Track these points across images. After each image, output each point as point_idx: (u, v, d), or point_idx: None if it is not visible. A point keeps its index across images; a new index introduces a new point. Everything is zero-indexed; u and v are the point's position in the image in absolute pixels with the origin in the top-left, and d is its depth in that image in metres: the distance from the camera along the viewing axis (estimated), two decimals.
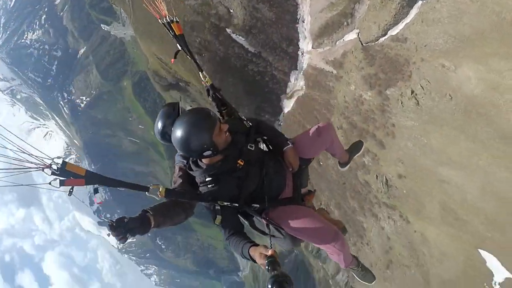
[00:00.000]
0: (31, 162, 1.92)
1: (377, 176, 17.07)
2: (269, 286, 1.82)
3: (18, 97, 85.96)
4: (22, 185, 2.07)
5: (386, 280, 18.23)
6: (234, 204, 2.61)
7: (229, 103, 3.13)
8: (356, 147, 3.89)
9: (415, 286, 16.87)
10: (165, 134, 2.82)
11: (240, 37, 23.33)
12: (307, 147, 3.08)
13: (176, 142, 2.50)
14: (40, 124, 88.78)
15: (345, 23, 18.70)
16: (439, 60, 13.30)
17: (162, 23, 2.94)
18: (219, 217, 2.57)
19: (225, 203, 2.56)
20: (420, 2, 14.35)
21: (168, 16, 2.91)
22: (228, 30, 23.58)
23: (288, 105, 24.93)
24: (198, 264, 64.74)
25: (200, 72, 3.08)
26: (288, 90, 24.43)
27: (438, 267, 15.59)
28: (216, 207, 2.58)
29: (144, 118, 52.12)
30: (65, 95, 69.81)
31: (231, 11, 22.75)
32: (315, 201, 3.26)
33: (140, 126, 55.93)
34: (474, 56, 12.07)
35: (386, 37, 16.16)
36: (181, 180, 2.81)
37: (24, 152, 1.92)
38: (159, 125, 2.85)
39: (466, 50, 12.33)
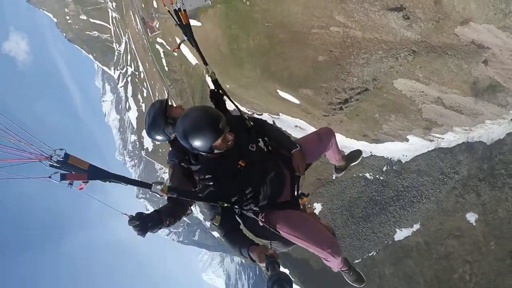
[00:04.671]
0: (29, 153, 1.79)
1: None
2: (269, 285, 1.81)
3: None
4: (18, 178, 1.84)
5: None
6: (234, 205, 2.56)
7: (231, 100, 3.07)
8: (354, 155, 3.91)
9: None
10: (157, 130, 2.83)
11: None
12: (308, 152, 3.00)
13: (179, 133, 2.37)
14: None
15: None
16: None
17: (168, 10, 2.80)
18: (218, 218, 2.50)
19: (226, 204, 2.50)
20: None
21: (176, 4, 2.74)
22: None
23: None
24: None
25: (205, 66, 2.98)
26: None
27: None
28: (217, 208, 2.51)
29: None
30: None
31: None
32: (307, 205, 3.24)
33: None
34: None
35: None
36: (176, 179, 2.74)
37: (20, 142, 1.79)
38: (150, 120, 2.81)
39: None
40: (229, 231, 2.52)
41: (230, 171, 2.53)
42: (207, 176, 2.50)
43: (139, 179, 2.32)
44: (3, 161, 1.76)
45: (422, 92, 10.81)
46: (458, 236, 11.80)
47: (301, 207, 3.00)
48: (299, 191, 3.02)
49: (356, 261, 15.16)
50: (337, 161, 3.61)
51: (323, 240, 2.64)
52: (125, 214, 2.20)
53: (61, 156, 1.88)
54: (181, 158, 2.73)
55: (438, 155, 12.72)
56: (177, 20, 2.83)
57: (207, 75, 3.00)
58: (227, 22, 15.75)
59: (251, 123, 2.88)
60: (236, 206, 2.57)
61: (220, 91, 3.01)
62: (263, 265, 2.11)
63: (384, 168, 14.70)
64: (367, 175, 15.30)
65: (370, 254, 15.03)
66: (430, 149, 12.99)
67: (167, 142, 2.97)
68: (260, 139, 2.94)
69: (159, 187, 2.25)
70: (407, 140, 13.28)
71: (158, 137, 2.87)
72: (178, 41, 3.25)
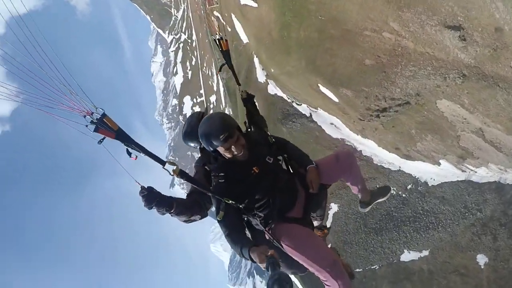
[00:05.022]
0: (73, 103, 2.05)
1: None
2: (270, 285, 1.85)
3: None
4: (58, 118, 2.08)
5: None
6: (238, 204, 2.68)
7: (259, 115, 3.35)
8: (382, 191, 3.72)
9: None
10: (191, 138, 3.34)
11: None
12: (324, 171, 3.06)
13: (199, 132, 2.79)
14: None
15: None
16: None
17: (214, 39, 3.30)
18: (221, 213, 2.63)
19: (231, 201, 2.64)
20: None
21: (219, 33, 3.26)
22: None
23: None
24: None
25: (238, 86, 3.46)
26: None
27: None
28: (222, 203, 2.65)
29: None
30: None
31: None
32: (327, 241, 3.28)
33: None
34: None
35: None
36: (196, 178, 3.10)
37: (72, 94, 2.06)
38: (186, 128, 3.37)
39: None
40: (232, 231, 2.63)
41: (242, 175, 2.77)
42: (220, 174, 2.78)
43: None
44: (56, 104, 2.02)
45: (465, 119, 10.19)
46: (463, 274, 11.30)
47: (313, 230, 3.09)
48: (315, 213, 3.19)
49: (357, 270, 15.07)
50: (359, 191, 3.51)
51: (324, 259, 2.62)
52: (137, 182, 2.43)
53: (99, 115, 2.16)
54: (205, 161, 3.11)
55: (466, 188, 12.10)
56: (218, 47, 3.33)
57: (238, 91, 3.43)
58: (282, 8, 15.56)
59: (273, 139, 3.13)
60: (241, 206, 2.72)
61: (250, 106, 3.37)
62: (263, 265, 2.15)
63: (409, 187, 14.26)
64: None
65: (372, 267, 14.83)
66: (459, 179, 12.35)
67: (198, 148, 3.40)
68: (281, 158, 3.15)
69: (172, 167, 2.39)
70: (438, 164, 12.69)
71: (191, 143, 3.37)
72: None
